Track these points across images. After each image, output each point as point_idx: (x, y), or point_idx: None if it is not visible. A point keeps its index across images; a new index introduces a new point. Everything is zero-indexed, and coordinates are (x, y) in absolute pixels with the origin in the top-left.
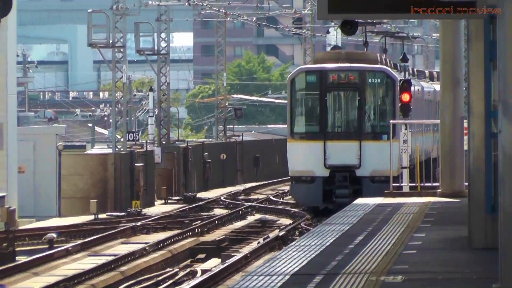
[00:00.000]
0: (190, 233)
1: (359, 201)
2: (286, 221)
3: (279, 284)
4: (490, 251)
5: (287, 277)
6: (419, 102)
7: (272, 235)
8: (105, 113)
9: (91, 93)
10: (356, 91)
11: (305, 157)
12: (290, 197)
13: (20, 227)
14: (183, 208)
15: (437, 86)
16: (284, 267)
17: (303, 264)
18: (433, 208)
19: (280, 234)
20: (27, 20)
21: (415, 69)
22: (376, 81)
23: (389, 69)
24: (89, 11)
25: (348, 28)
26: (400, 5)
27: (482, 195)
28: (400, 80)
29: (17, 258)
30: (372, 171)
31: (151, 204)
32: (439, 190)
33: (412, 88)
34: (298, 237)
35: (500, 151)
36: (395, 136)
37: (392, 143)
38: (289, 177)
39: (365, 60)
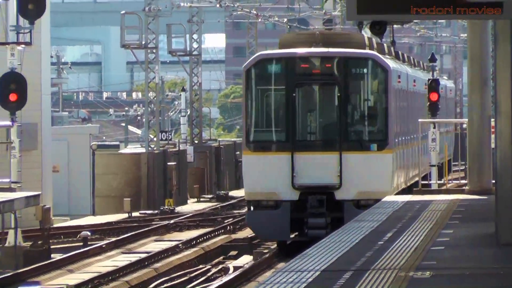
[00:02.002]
0: (222, 231)
1: (388, 198)
2: None
3: (309, 280)
4: None
5: (317, 273)
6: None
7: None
8: (138, 113)
9: (124, 93)
10: (334, 85)
11: (266, 175)
12: None
13: (55, 225)
14: (215, 206)
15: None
16: (315, 263)
17: (333, 260)
18: (461, 205)
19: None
20: (60, 22)
21: (405, 55)
22: (361, 71)
23: (379, 55)
24: (122, 13)
25: (377, 28)
26: (427, 6)
27: (509, 192)
28: (429, 79)
29: (52, 255)
30: (357, 192)
31: (184, 203)
32: (466, 188)
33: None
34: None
35: None
36: (388, 145)
37: (385, 155)
38: None
39: (347, 44)
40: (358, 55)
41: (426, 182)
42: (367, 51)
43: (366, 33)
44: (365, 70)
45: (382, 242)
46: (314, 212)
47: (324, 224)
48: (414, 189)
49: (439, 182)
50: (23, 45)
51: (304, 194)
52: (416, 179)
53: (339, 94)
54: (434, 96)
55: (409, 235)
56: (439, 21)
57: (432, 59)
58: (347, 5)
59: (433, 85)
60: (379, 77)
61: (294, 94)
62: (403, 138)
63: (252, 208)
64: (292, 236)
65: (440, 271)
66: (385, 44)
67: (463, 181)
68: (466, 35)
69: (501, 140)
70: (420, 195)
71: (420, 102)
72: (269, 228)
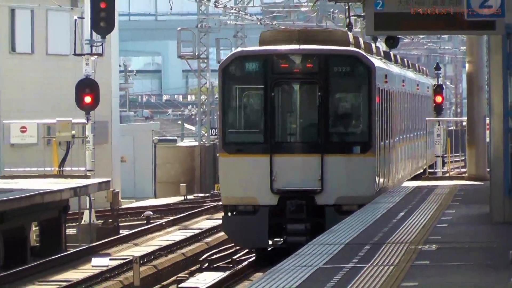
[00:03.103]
0: None
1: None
2: None
3: (336, 251)
4: (507, 225)
5: (342, 246)
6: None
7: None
8: (192, 113)
9: (181, 96)
10: (315, 84)
11: (243, 178)
12: None
13: (123, 206)
14: None
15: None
16: (341, 238)
17: (356, 235)
18: (461, 189)
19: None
20: (127, 37)
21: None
22: (344, 69)
23: (363, 52)
24: (178, 29)
25: (391, 42)
26: (433, 23)
27: (501, 179)
28: (434, 85)
29: (120, 231)
30: (339, 197)
31: None
32: (465, 175)
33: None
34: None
35: None
36: (371, 148)
37: (368, 158)
38: None
39: (330, 41)
40: (340, 52)
41: (432, 170)
42: (350, 48)
43: (382, 46)
44: (347, 68)
45: (396, 220)
46: (294, 218)
47: (303, 230)
48: (423, 175)
49: (443, 170)
50: (96, 56)
51: (283, 198)
52: (406, 178)
53: (320, 94)
54: (438, 99)
55: (418, 214)
56: (442, 36)
57: (437, 68)
58: (366, 23)
59: (438, 89)
60: (362, 76)
61: (272, 94)
62: (392, 139)
63: (228, 213)
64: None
65: (444, 245)
66: (373, 44)
67: (463, 170)
68: (465, 47)
69: (494, 135)
70: (428, 181)
71: (410, 102)
72: (246, 234)
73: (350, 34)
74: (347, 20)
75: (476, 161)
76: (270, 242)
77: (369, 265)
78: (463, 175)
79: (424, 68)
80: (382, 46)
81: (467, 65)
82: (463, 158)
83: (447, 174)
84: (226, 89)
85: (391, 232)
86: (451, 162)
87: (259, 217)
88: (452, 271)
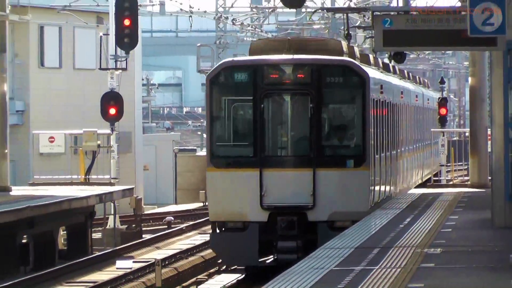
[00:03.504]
0: None
1: (410, 191)
2: None
3: (346, 254)
4: (508, 230)
5: (352, 249)
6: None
7: None
8: None
9: (200, 108)
10: (307, 95)
11: (232, 194)
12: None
13: (145, 212)
14: None
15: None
16: (350, 241)
17: (365, 239)
18: (464, 196)
19: None
20: (149, 52)
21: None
22: (336, 80)
23: (357, 62)
24: (198, 45)
25: (398, 57)
26: (437, 40)
27: (502, 186)
28: (439, 98)
29: (143, 236)
30: (332, 213)
31: None
32: (468, 183)
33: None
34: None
35: None
36: (365, 161)
37: (362, 172)
38: None
39: (323, 51)
40: (332, 62)
41: (437, 178)
42: (342, 57)
43: (391, 63)
44: (340, 79)
45: (403, 226)
46: (285, 235)
47: (295, 248)
48: (428, 183)
49: (447, 178)
50: (120, 70)
51: (274, 214)
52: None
53: (312, 105)
54: (443, 111)
55: (424, 219)
56: (447, 51)
57: (442, 82)
58: (375, 39)
59: (442, 102)
60: (355, 86)
61: (262, 105)
62: (390, 151)
63: (217, 230)
64: (261, 260)
65: (448, 248)
66: (371, 55)
67: (466, 178)
68: (468, 62)
69: (495, 145)
70: (433, 188)
71: (410, 114)
72: (235, 252)
73: (344, 44)
74: (346, 32)
75: (478, 170)
76: (260, 259)
77: (377, 267)
78: (466, 183)
79: (426, 80)
80: (391, 63)
81: (470, 79)
82: (466, 167)
83: (451, 182)
84: (214, 100)
85: (398, 236)
86: (455, 170)
87: (249, 234)
88: (456, 273)
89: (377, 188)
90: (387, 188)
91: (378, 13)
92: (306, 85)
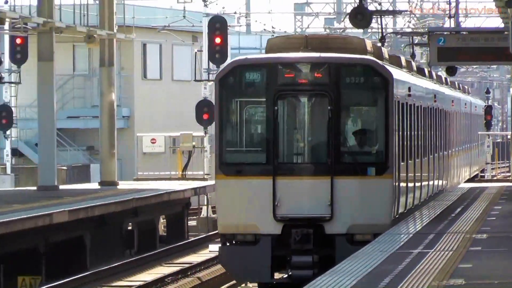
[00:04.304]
0: None
1: (460, 185)
2: None
3: (407, 239)
4: None
5: (411, 235)
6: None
7: None
8: None
9: None
10: (325, 97)
11: (243, 204)
12: None
13: None
14: None
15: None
16: (410, 227)
17: (422, 226)
18: (507, 190)
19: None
20: None
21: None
22: (357, 80)
23: (379, 61)
24: None
25: (450, 71)
26: (484, 56)
27: None
28: (485, 105)
29: None
30: (352, 225)
31: None
32: (510, 178)
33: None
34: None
35: None
36: (388, 169)
37: (384, 180)
38: None
39: (343, 49)
40: (352, 61)
41: (483, 174)
42: (364, 56)
43: (443, 74)
44: (361, 79)
45: (454, 215)
46: (300, 249)
47: (310, 263)
48: (475, 178)
49: (492, 174)
50: (212, 81)
51: (288, 227)
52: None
53: (330, 108)
54: (488, 117)
55: (472, 210)
56: (492, 66)
57: (487, 92)
58: (430, 56)
59: (488, 109)
60: (378, 88)
61: (276, 108)
62: (421, 157)
63: (226, 243)
64: (276, 277)
65: (493, 234)
66: (402, 57)
67: (508, 174)
68: (510, 75)
69: None
70: (479, 183)
71: (441, 118)
72: (246, 267)
73: (368, 42)
74: (379, 34)
75: None
76: (274, 275)
77: (432, 250)
78: (508, 178)
79: (466, 87)
80: (443, 74)
81: (511, 89)
82: (508, 165)
83: (495, 178)
84: (223, 102)
85: (450, 224)
86: (498, 168)
87: (261, 247)
88: (500, 255)
89: (403, 197)
90: (423, 192)
91: (434, 33)
92: (324, 86)
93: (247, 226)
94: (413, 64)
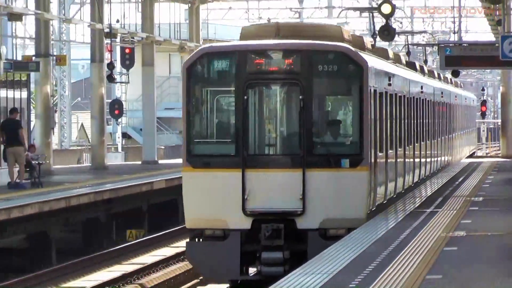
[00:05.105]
0: None
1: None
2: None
3: (422, 200)
4: None
5: (425, 198)
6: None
7: None
8: None
9: None
10: (296, 86)
11: (211, 198)
12: None
13: None
14: None
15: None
16: (423, 193)
17: (432, 192)
18: (497, 164)
19: None
20: None
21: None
22: (330, 68)
23: (352, 48)
24: None
25: (455, 74)
26: (481, 62)
27: None
28: (480, 99)
29: None
30: (324, 220)
31: None
32: (500, 154)
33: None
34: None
35: None
36: (363, 161)
37: (359, 173)
38: None
39: (319, 37)
40: (324, 48)
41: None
42: (337, 43)
43: (448, 76)
44: (334, 67)
45: (457, 183)
46: (270, 245)
47: (281, 260)
48: (473, 155)
49: (486, 152)
50: None
51: (258, 221)
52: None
53: (301, 97)
54: (483, 108)
55: (471, 178)
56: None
57: (482, 89)
58: (440, 62)
59: (483, 102)
60: (352, 76)
61: (246, 97)
62: (405, 145)
63: (193, 239)
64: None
65: (488, 197)
66: (390, 50)
67: (498, 152)
68: (499, 77)
69: None
70: (475, 158)
71: (434, 108)
72: (214, 264)
73: (346, 30)
74: (371, 31)
75: (506, 146)
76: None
77: (441, 210)
78: (498, 155)
79: (459, 82)
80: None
81: (501, 87)
82: (498, 145)
83: (489, 154)
84: (191, 91)
85: (454, 189)
86: (491, 147)
87: (230, 243)
88: (494, 213)
89: (382, 188)
90: (408, 177)
91: (442, 45)
92: (295, 74)
93: (216, 221)
94: (403, 57)
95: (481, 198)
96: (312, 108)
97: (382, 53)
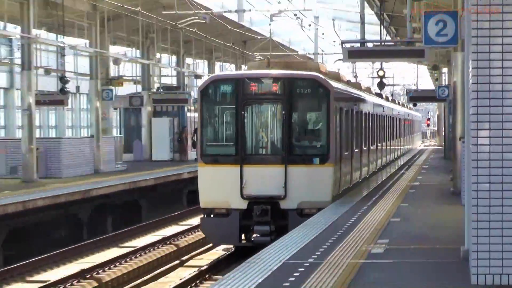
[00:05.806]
0: None
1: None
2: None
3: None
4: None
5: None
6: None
7: None
8: None
9: None
10: (280, 104)
11: (218, 186)
12: None
13: None
14: None
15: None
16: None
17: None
18: (435, 149)
19: None
20: None
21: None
22: (305, 91)
23: (323, 76)
24: None
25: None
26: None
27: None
28: (427, 117)
29: None
30: (300, 202)
31: None
32: (436, 145)
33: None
34: None
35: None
36: (329, 159)
37: (326, 168)
38: None
39: (300, 69)
40: (301, 76)
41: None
42: (311, 72)
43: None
44: (308, 90)
45: (415, 158)
46: (260, 221)
47: (268, 231)
48: (421, 146)
49: (427, 144)
50: None
51: (252, 203)
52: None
53: (284, 112)
54: (427, 122)
55: (424, 155)
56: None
57: (428, 112)
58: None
59: (428, 119)
60: (321, 97)
61: (243, 112)
62: (361, 148)
63: (205, 216)
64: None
65: (433, 166)
66: (361, 83)
67: (435, 144)
68: (436, 106)
69: (452, 130)
70: (425, 147)
71: (384, 121)
72: (220, 233)
73: (322, 66)
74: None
75: (439, 140)
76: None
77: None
78: (435, 145)
79: (403, 102)
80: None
81: (437, 111)
82: (435, 140)
83: (430, 145)
84: (204, 108)
85: (414, 160)
86: (431, 141)
87: (231, 219)
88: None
89: (344, 179)
90: (361, 171)
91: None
92: (279, 95)
93: (221, 203)
94: (371, 88)
95: (427, 166)
96: (292, 120)
97: (356, 85)
